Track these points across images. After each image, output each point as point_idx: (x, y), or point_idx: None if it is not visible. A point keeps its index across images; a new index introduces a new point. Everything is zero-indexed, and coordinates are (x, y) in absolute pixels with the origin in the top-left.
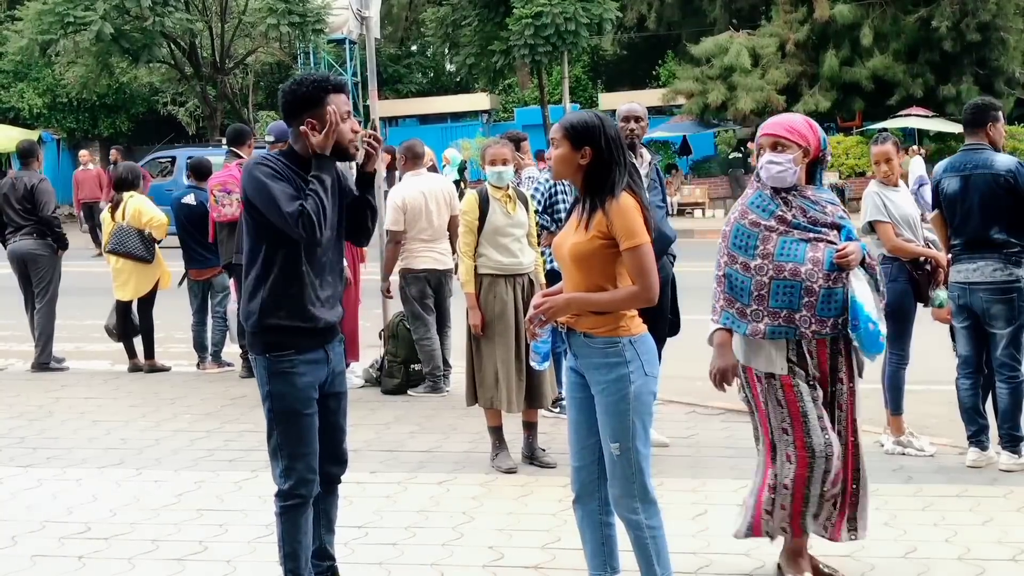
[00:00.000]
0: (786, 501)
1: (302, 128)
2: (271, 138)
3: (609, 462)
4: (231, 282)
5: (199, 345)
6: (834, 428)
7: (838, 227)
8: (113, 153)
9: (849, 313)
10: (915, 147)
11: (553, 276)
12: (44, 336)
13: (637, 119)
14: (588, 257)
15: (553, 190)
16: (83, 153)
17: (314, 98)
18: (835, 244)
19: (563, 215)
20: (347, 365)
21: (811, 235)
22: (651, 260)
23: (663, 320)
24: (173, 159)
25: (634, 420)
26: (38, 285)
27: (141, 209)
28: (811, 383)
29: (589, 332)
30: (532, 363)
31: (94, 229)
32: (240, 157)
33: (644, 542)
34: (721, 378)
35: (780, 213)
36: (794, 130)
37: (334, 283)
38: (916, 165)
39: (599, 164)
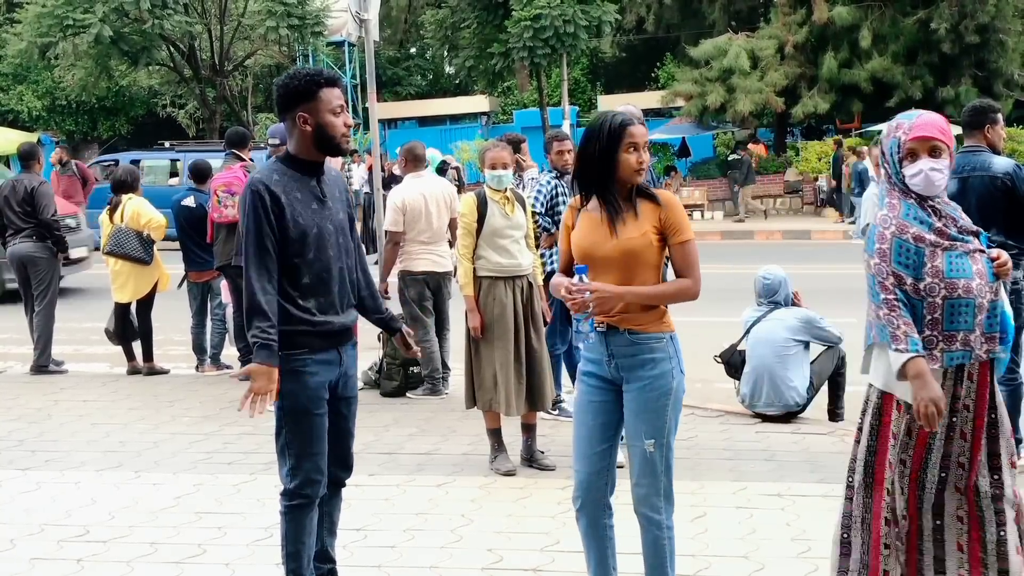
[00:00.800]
0: (902, 535)
1: (296, 121)
2: (275, 141)
3: (640, 460)
4: (224, 284)
5: (198, 347)
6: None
7: (976, 233)
8: (59, 152)
9: (1000, 327)
10: (866, 148)
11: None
12: (43, 339)
13: None
14: (640, 253)
15: (555, 191)
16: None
17: (307, 92)
18: (984, 252)
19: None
20: None
21: (969, 246)
22: (697, 255)
23: None
24: (117, 162)
25: (671, 417)
26: (37, 288)
27: (140, 211)
28: (956, 415)
29: (635, 329)
30: (577, 344)
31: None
32: (241, 159)
33: (662, 543)
34: (936, 411)
35: (939, 225)
36: (945, 132)
37: (348, 288)
38: (860, 167)
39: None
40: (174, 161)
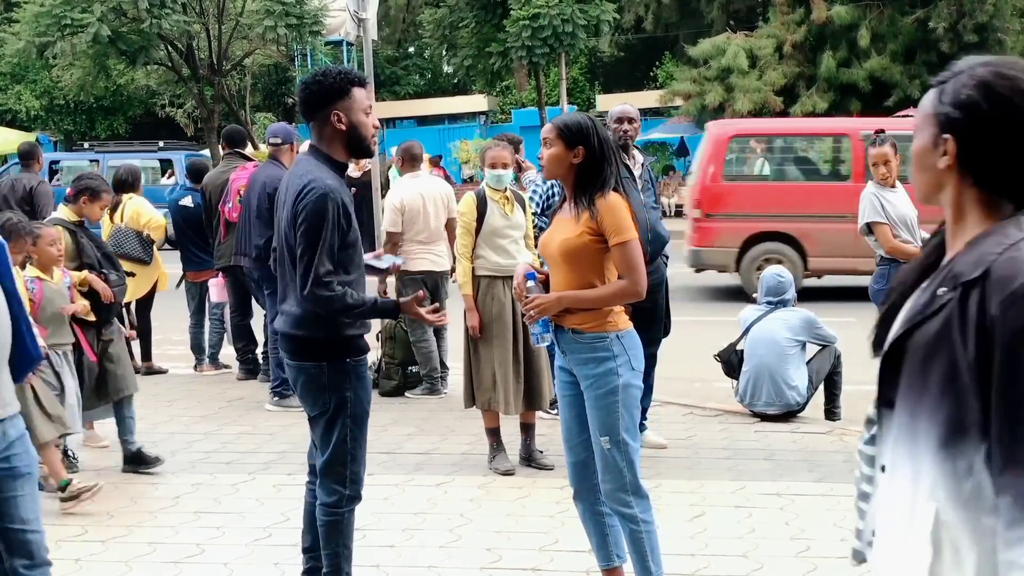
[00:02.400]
0: None
1: (330, 119)
2: (277, 140)
3: (600, 456)
4: (214, 283)
5: (196, 347)
6: None
7: None
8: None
9: None
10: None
11: None
12: None
13: (630, 120)
14: (577, 253)
15: (551, 191)
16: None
17: (342, 89)
18: None
19: None
20: None
21: None
22: (639, 255)
23: (658, 322)
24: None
25: (622, 413)
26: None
27: (139, 211)
28: None
29: (577, 328)
30: (533, 343)
31: None
32: (248, 158)
33: (639, 536)
34: None
35: None
36: None
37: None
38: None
39: (591, 164)
40: (93, 162)
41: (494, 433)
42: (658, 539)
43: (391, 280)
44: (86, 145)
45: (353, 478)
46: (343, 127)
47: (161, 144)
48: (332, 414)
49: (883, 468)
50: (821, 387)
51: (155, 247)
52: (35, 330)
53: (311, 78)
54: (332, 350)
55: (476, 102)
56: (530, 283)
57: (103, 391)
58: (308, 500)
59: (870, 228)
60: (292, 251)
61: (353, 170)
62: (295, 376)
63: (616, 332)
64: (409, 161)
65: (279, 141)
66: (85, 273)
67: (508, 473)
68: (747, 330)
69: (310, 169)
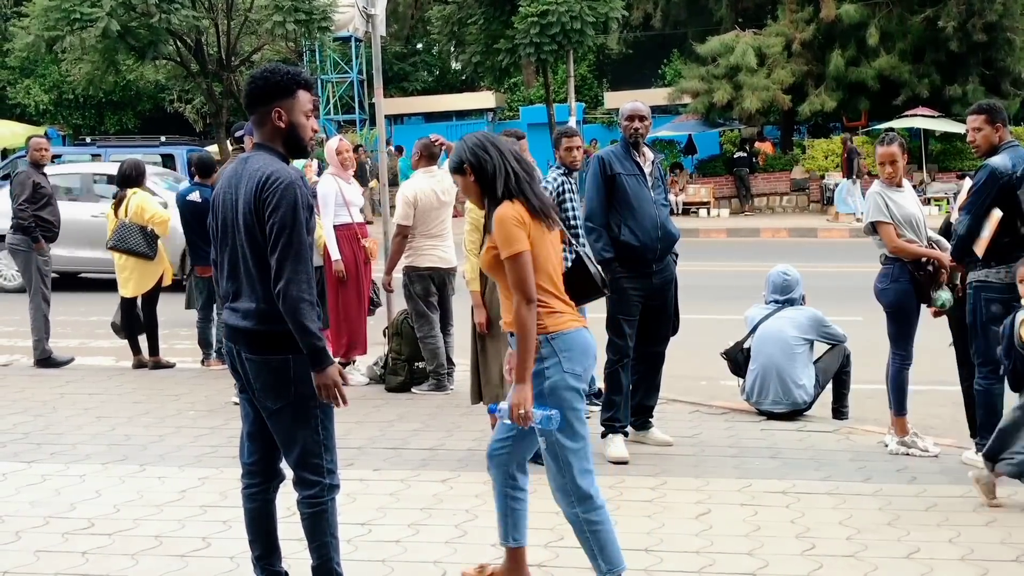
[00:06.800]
0: None
1: (272, 115)
2: (241, 134)
3: (544, 454)
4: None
5: (204, 342)
6: None
7: None
8: None
9: None
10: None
11: None
12: (34, 333)
13: (641, 118)
14: (490, 268)
15: (561, 188)
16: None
17: (287, 88)
18: None
19: (571, 214)
20: (352, 361)
21: None
22: (522, 270)
23: (666, 319)
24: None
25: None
26: (23, 279)
27: (144, 206)
28: None
29: (515, 332)
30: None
31: None
32: None
33: (584, 536)
34: None
35: None
36: None
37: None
38: None
39: (482, 180)
40: (95, 156)
41: None
42: (611, 537)
43: (398, 275)
44: (88, 140)
45: (330, 467)
46: (282, 125)
47: (163, 139)
48: (302, 406)
49: None
50: (828, 386)
51: (159, 242)
52: None
53: (260, 73)
54: (297, 341)
55: (484, 99)
56: (498, 414)
57: None
58: (250, 507)
59: (874, 227)
60: (254, 244)
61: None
62: (257, 371)
63: (546, 335)
64: (426, 158)
65: (241, 134)
66: None
67: None
68: (754, 328)
69: (269, 161)
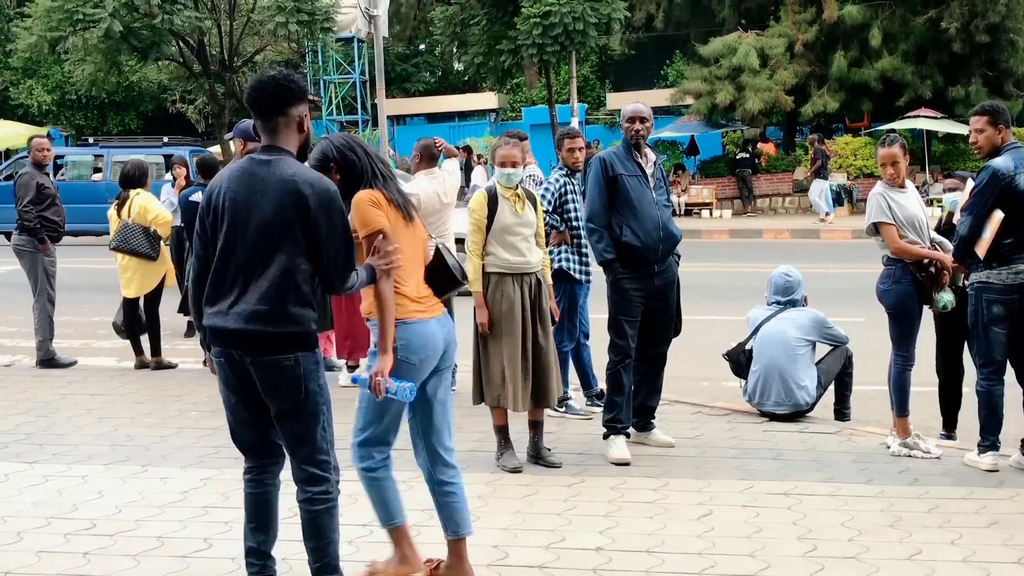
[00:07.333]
0: None
1: (302, 119)
2: (233, 135)
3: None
4: None
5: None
6: None
7: None
8: None
9: None
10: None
11: (560, 275)
12: (39, 333)
13: (642, 119)
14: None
15: (563, 189)
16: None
17: (303, 94)
18: None
19: (573, 215)
20: (356, 363)
21: None
22: (359, 251)
23: (668, 320)
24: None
25: (371, 396)
26: (29, 280)
27: (147, 206)
28: None
29: (376, 307)
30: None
31: None
32: None
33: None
34: None
35: None
36: None
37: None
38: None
39: (348, 176)
40: (98, 157)
41: (502, 430)
42: (389, 494)
43: None
44: (91, 140)
45: (335, 464)
46: (304, 130)
47: (165, 140)
48: (312, 404)
49: None
50: (830, 387)
51: (162, 243)
52: None
53: (273, 78)
54: (303, 341)
55: (486, 99)
56: (359, 383)
57: None
58: (256, 491)
59: (876, 228)
60: (280, 246)
61: None
62: (266, 372)
63: (374, 320)
64: (427, 159)
65: (231, 136)
66: None
67: (516, 471)
68: (756, 329)
69: (302, 167)
